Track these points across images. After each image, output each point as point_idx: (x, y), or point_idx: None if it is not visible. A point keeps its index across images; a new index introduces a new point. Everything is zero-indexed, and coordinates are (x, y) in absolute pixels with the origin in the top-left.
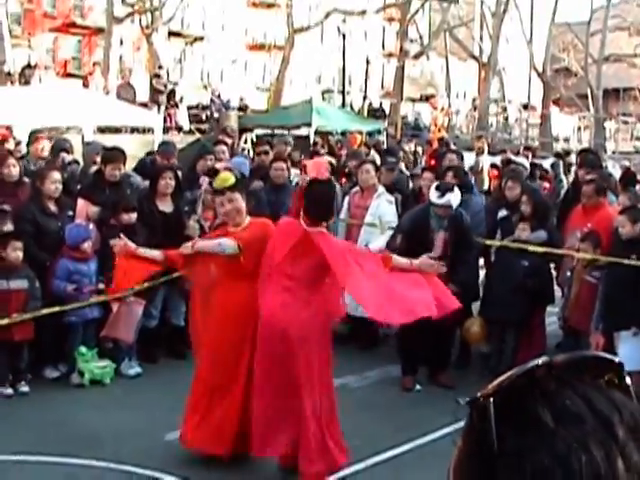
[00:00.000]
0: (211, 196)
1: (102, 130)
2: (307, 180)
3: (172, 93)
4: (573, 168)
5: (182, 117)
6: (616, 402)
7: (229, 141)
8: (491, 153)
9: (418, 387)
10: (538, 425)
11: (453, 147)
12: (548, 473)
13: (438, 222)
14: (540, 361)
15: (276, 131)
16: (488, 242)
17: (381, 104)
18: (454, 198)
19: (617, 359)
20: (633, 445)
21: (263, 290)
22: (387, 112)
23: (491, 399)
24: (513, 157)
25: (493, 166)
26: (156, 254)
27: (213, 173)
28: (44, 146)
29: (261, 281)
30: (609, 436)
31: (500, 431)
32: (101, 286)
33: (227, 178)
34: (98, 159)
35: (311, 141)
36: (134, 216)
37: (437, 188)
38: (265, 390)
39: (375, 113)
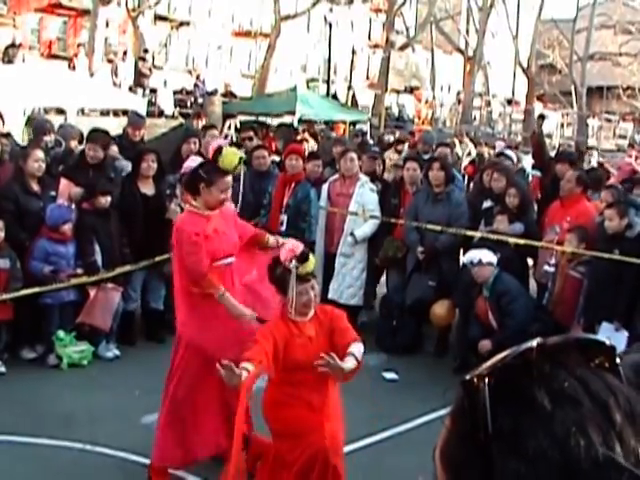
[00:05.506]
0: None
1: (85, 112)
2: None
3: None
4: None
5: (166, 101)
6: (611, 386)
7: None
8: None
9: (396, 376)
10: (534, 407)
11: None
12: (546, 456)
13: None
14: (534, 343)
15: (260, 118)
16: (469, 233)
17: (350, 94)
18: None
19: (609, 342)
20: (630, 430)
21: None
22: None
23: (486, 380)
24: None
25: (470, 162)
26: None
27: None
28: None
29: None
30: (606, 420)
31: (495, 412)
32: (79, 270)
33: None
34: (74, 143)
35: (294, 129)
36: (109, 199)
37: None
38: None
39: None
